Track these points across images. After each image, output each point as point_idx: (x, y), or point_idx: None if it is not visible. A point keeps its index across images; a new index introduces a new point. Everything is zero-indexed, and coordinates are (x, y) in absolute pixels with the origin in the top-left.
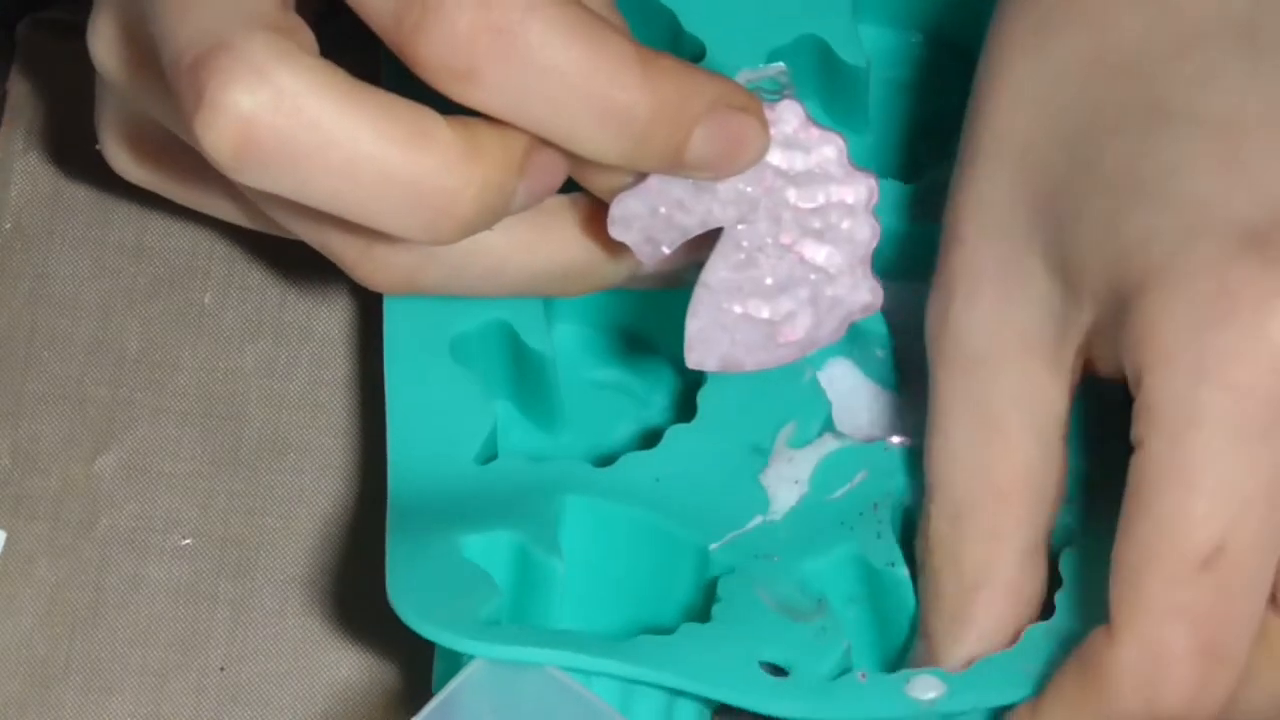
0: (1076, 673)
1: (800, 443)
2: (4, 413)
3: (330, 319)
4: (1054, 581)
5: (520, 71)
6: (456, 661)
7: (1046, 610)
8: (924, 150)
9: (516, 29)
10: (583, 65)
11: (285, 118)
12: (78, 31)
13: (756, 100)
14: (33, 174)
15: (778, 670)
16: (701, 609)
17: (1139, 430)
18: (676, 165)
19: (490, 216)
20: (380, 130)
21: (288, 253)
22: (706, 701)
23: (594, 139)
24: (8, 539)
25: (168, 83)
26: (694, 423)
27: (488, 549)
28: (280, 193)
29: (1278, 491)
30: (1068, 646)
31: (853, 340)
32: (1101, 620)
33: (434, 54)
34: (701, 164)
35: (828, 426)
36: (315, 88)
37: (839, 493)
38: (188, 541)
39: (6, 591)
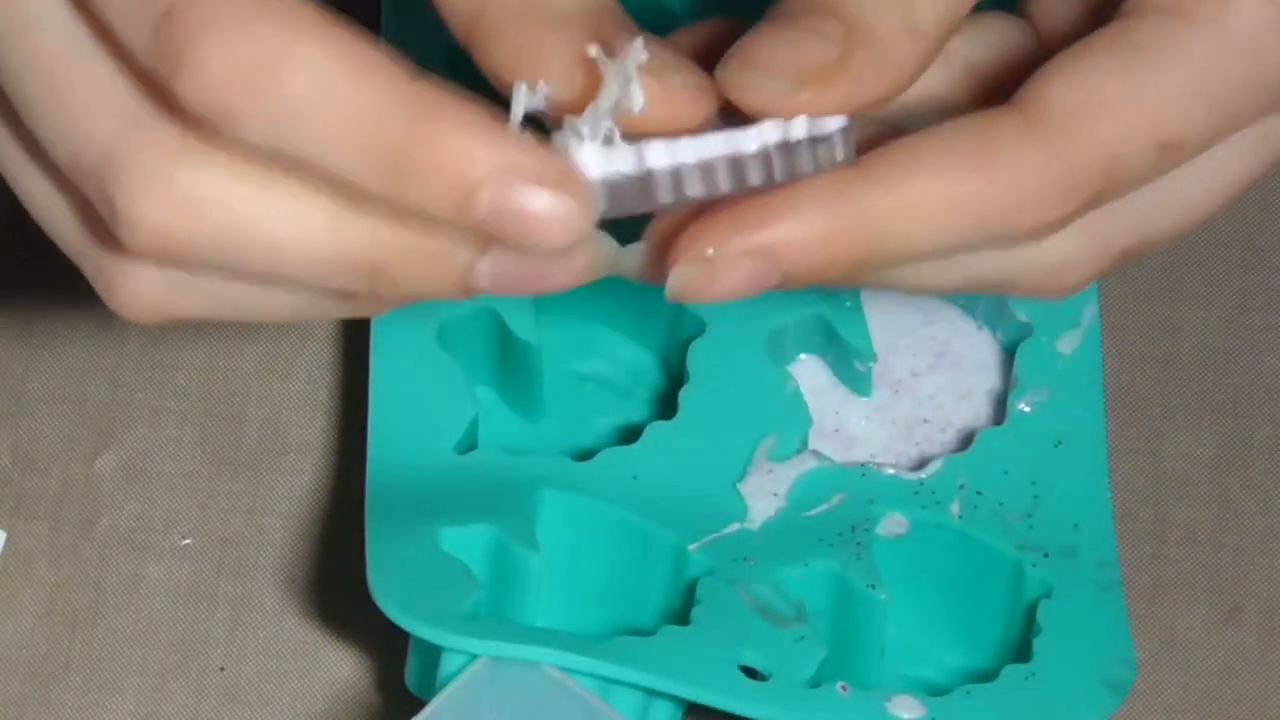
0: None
1: (780, 457)
2: (4, 413)
3: (330, 319)
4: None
5: (278, 117)
6: (433, 653)
7: (1025, 654)
8: None
9: (272, 72)
10: (349, 110)
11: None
12: None
13: (564, 172)
14: None
15: (754, 674)
16: (679, 609)
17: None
18: (467, 222)
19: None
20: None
21: None
22: (681, 702)
23: (369, 184)
24: (8, 539)
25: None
26: (674, 421)
27: (465, 542)
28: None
29: None
30: (1044, 688)
31: (832, 348)
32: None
33: (191, 98)
34: (495, 231)
35: (807, 443)
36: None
37: (816, 511)
38: (188, 541)
39: (6, 591)
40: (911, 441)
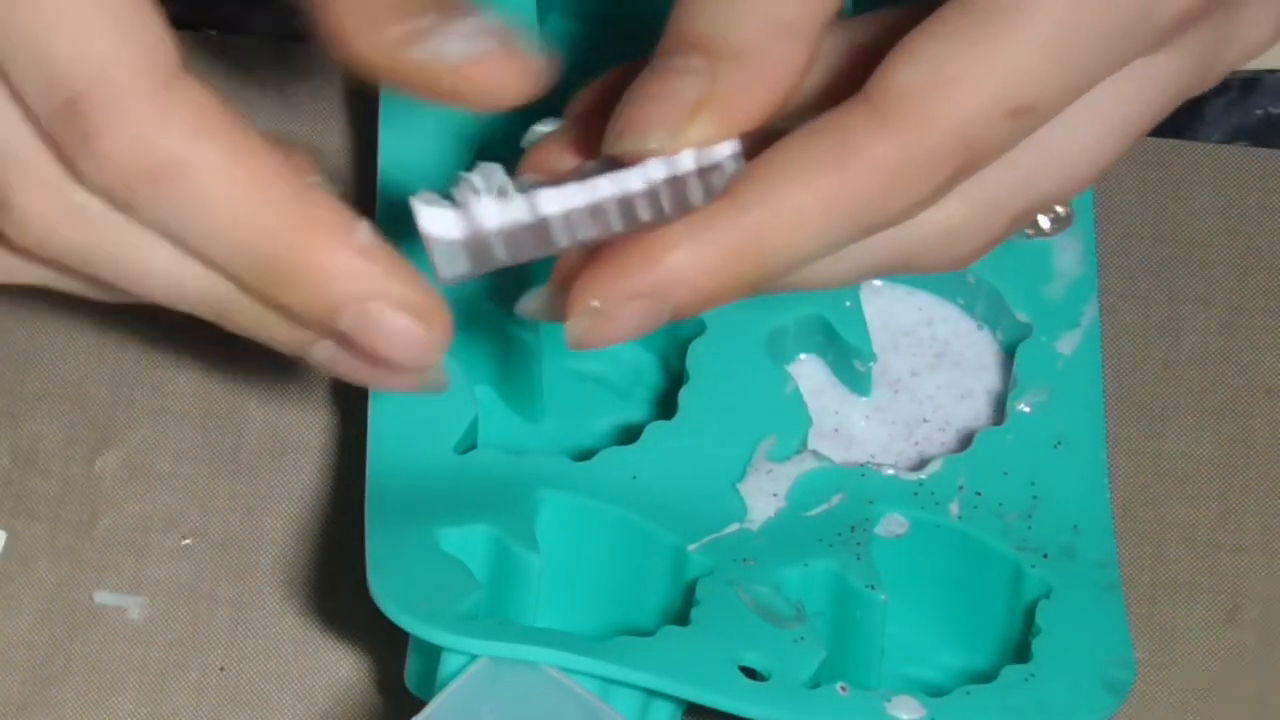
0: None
1: (780, 457)
2: (4, 413)
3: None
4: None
5: (173, 208)
6: (433, 653)
7: (1025, 655)
8: None
9: (172, 169)
10: (235, 215)
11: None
12: None
13: (429, 302)
14: None
15: (754, 674)
16: (679, 610)
17: None
18: (325, 331)
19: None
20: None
21: None
22: (681, 702)
23: (245, 278)
24: (8, 539)
25: None
26: (674, 421)
27: (465, 542)
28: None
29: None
30: (1044, 689)
31: (832, 348)
32: (1075, 668)
33: (94, 178)
34: (352, 341)
35: (807, 444)
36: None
37: (815, 511)
38: (188, 541)
39: (6, 591)
40: (911, 441)
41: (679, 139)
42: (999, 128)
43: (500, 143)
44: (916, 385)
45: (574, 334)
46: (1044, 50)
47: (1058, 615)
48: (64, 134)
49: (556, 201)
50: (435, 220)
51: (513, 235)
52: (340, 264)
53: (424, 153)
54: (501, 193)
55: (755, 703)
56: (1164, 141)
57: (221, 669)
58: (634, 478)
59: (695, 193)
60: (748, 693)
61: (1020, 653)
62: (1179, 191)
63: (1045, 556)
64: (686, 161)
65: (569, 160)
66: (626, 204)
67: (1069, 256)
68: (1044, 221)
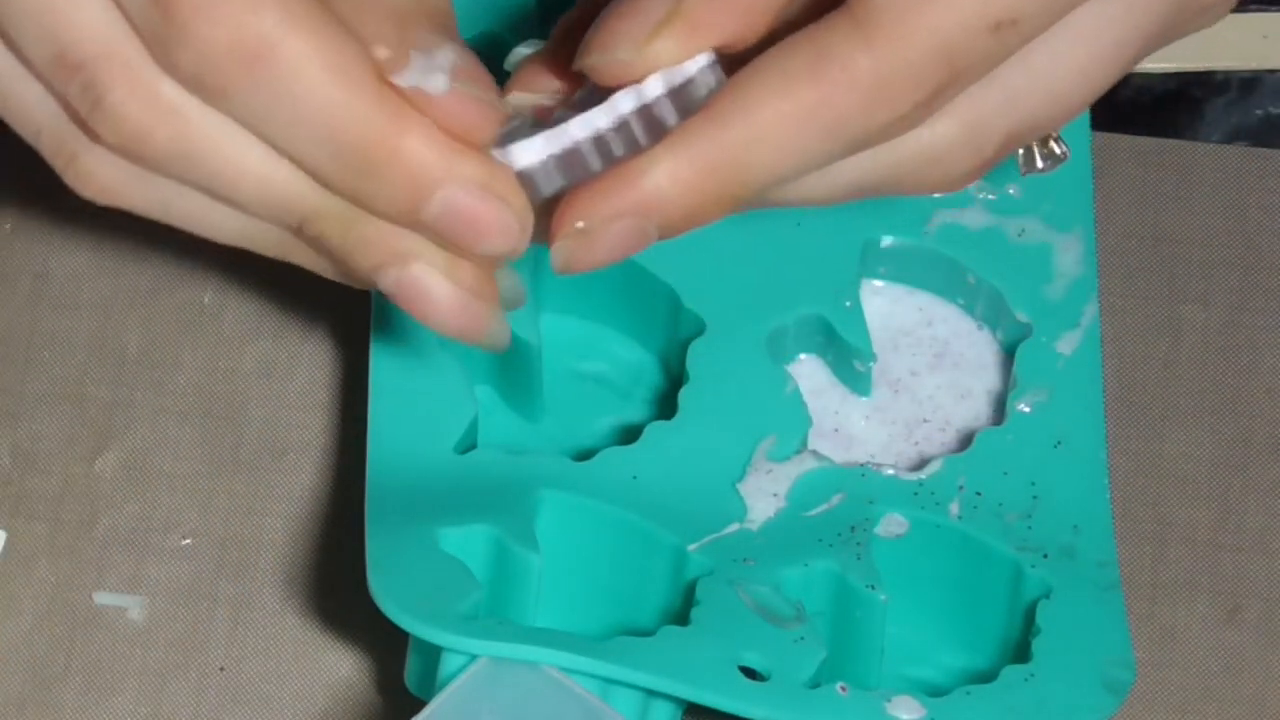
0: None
1: (779, 457)
2: (4, 413)
3: (330, 319)
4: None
5: (267, 96)
6: (433, 653)
7: (1025, 655)
8: None
9: (266, 55)
10: (327, 101)
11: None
12: None
13: (511, 187)
14: (33, 174)
15: (754, 674)
16: (679, 610)
17: None
18: (412, 222)
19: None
20: None
21: None
22: (681, 702)
23: (329, 174)
24: (8, 539)
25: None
26: (674, 421)
27: (465, 542)
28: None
29: None
30: (1044, 689)
31: (832, 348)
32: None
33: (187, 66)
34: (436, 230)
35: (807, 444)
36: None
37: (816, 511)
38: (188, 541)
39: (6, 591)
40: (911, 442)
41: (644, 53)
42: (981, 42)
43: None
44: (916, 385)
45: (560, 256)
46: None
47: (1058, 615)
48: (157, 21)
49: (529, 153)
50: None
51: (561, 161)
52: (427, 149)
53: None
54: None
55: (755, 703)
56: (1164, 141)
57: (221, 669)
58: (634, 478)
59: (669, 116)
60: (748, 693)
61: (1020, 653)
62: (1179, 191)
63: (1045, 556)
64: (655, 87)
65: (549, 80)
66: (601, 142)
67: (1069, 256)
68: (1038, 160)
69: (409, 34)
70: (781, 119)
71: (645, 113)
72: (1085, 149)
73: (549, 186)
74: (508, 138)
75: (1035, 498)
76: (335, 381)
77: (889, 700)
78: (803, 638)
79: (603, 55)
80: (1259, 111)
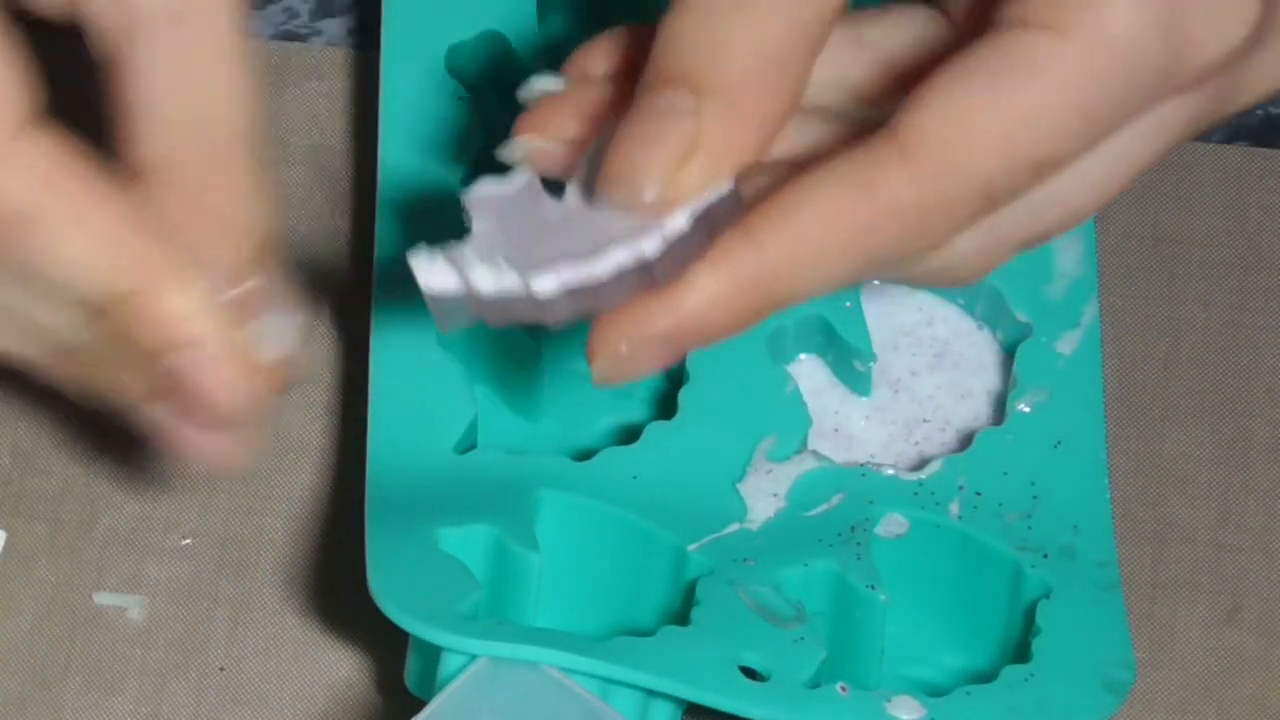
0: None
1: (779, 457)
2: (4, 413)
3: (330, 319)
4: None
5: (27, 257)
6: (433, 653)
7: (1024, 655)
8: None
9: (19, 220)
10: (88, 259)
11: None
12: (78, 31)
13: (246, 364)
14: None
15: (754, 674)
16: (679, 610)
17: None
18: (153, 367)
19: None
20: None
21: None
22: (681, 702)
23: (90, 321)
24: (8, 539)
25: None
26: (674, 421)
27: (465, 542)
28: None
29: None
30: (1044, 689)
31: (832, 348)
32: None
33: None
34: (175, 386)
35: (807, 444)
36: None
37: (816, 511)
38: (188, 541)
39: (6, 591)
40: (911, 441)
41: (674, 187)
42: (1020, 178)
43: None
44: (916, 385)
45: (601, 373)
46: (1070, 105)
47: (1058, 615)
48: None
49: (551, 281)
50: (433, 277)
51: (507, 303)
52: (174, 309)
53: (424, 154)
54: (495, 265)
55: (755, 703)
56: None
57: (221, 669)
58: (634, 478)
59: (693, 250)
60: (748, 693)
61: (1020, 653)
62: (1179, 191)
63: (1045, 556)
64: (679, 222)
65: (564, 123)
66: (623, 277)
67: (1069, 256)
68: None
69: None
70: (818, 242)
71: (672, 251)
72: None
73: (562, 312)
74: (508, 206)
75: (1035, 498)
76: (335, 382)
77: (889, 700)
78: (803, 638)
79: (631, 193)
80: (1259, 111)
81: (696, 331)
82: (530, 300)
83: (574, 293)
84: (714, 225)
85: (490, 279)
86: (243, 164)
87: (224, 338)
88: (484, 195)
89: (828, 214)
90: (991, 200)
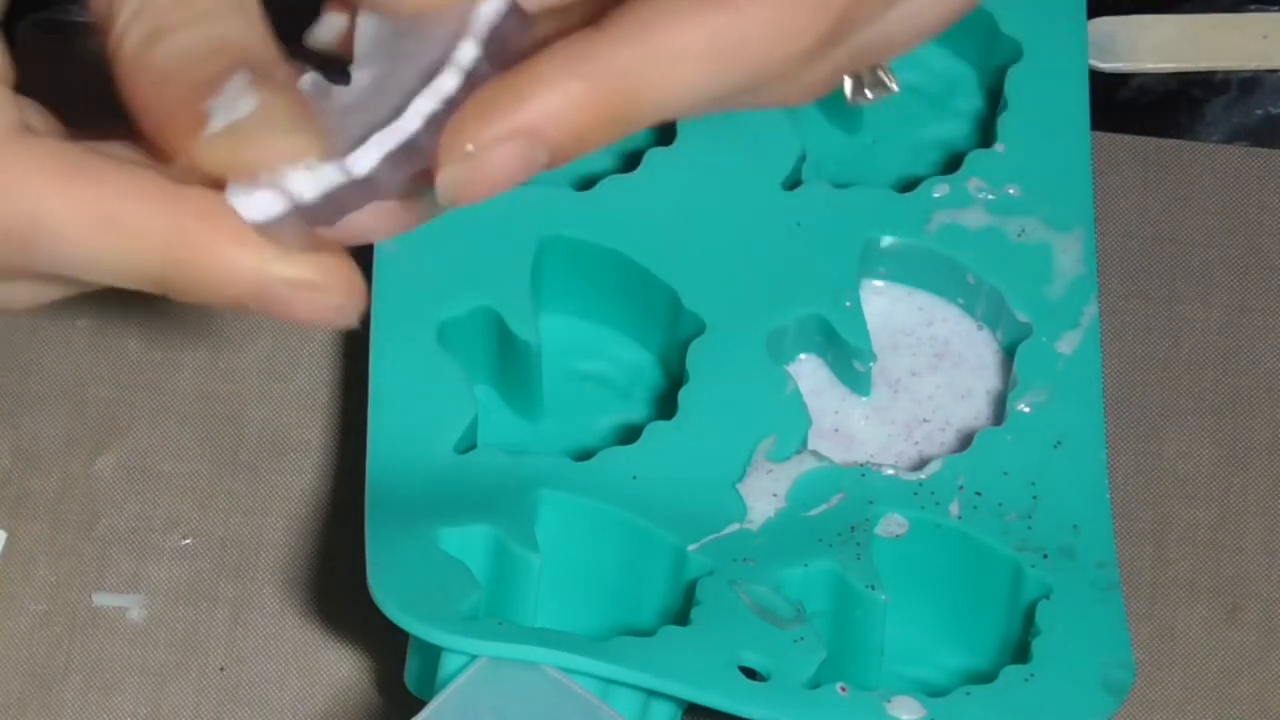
0: None
1: (779, 457)
2: (4, 413)
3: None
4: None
5: (51, 260)
6: (433, 653)
7: (1024, 655)
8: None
9: (28, 228)
10: (118, 244)
11: None
12: (78, 31)
13: (326, 272)
14: None
15: (754, 674)
16: (679, 610)
17: None
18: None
19: None
20: None
21: None
22: (681, 702)
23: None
24: (8, 539)
25: None
26: (674, 421)
27: (464, 542)
28: None
29: None
30: (1044, 689)
31: (832, 348)
32: (1075, 669)
33: None
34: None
35: (807, 444)
36: None
37: (815, 511)
38: (188, 541)
39: (6, 591)
40: (911, 441)
41: None
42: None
43: None
44: (916, 385)
45: (447, 186)
46: None
47: (1057, 615)
48: None
49: (368, 156)
50: (256, 206)
51: (336, 198)
52: (230, 258)
53: None
54: (310, 167)
55: (755, 703)
56: (1164, 141)
57: (221, 669)
58: (634, 478)
59: (484, 69)
60: (748, 693)
61: (1020, 653)
62: (1179, 191)
63: (1045, 557)
64: (469, 51)
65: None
66: (436, 122)
67: (1069, 256)
68: (866, 91)
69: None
70: (684, 42)
71: (469, 81)
72: (1085, 149)
73: (390, 178)
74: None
75: (1035, 498)
76: (335, 381)
77: (889, 700)
78: (803, 638)
79: None
80: (1259, 111)
81: (549, 133)
82: (356, 184)
83: (393, 158)
84: (505, 49)
85: (310, 182)
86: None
87: (287, 270)
88: None
89: (693, 10)
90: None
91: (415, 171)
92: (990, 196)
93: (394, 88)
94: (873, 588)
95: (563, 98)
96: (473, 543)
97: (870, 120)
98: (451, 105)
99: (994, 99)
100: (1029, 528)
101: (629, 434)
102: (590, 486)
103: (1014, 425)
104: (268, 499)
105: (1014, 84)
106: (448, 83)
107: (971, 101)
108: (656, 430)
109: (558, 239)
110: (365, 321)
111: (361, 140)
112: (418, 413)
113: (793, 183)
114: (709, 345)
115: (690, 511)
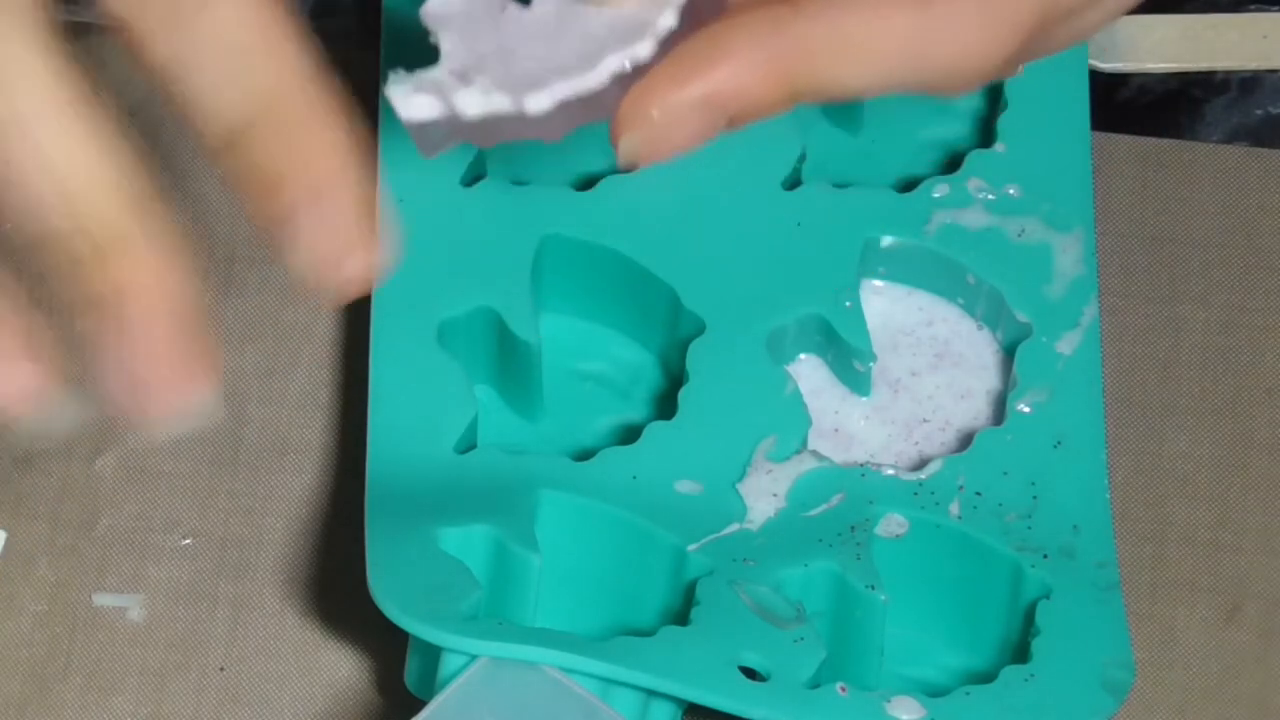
0: None
1: (779, 457)
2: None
3: (330, 319)
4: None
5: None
6: (433, 653)
7: (1024, 655)
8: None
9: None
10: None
11: None
12: (79, 31)
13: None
14: None
15: (754, 675)
16: (679, 610)
17: None
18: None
19: None
20: None
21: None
22: (681, 702)
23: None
24: (8, 539)
25: None
26: (674, 421)
27: (464, 542)
28: None
29: None
30: (1044, 690)
31: (832, 348)
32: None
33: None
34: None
35: (807, 444)
36: None
37: (815, 511)
38: (188, 541)
39: (6, 591)
40: (911, 442)
41: None
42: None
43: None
44: (916, 385)
45: (630, 149)
46: None
47: (1057, 615)
48: None
49: (545, 99)
50: (414, 107)
51: (497, 124)
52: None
53: (424, 160)
54: (482, 88)
55: (755, 703)
56: (1164, 141)
57: (221, 669)
58: (634, 478)
59: (669, 40)
60: (748, 693)
61: (1020, 653)
62: (1179, 191)
63: (1045, 557)
64: (668, 20)
65: None
66: (620, 83)
67: (1069, 256)
68: None
69: None
70: (870, 31)
71: (662, 49)
72: (1085, 149)
73: (553, 127)
74: (472, 18)
75: (1035, 498)
76: (335, 381)
77: (889, 700)
78: (803, 638)
79: None
80: (1259, 111)
81: (733, 99)
82: (522, 119)
83: (569, 106)
84: (700, 20)
85: (477, 101)
86: (313, 101)
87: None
88: (444, 9)
89: (887, 13)
90: (1049, 10)
91: (578, 121)
92: (990, 196)
93: (581, 32)
94: (873, 588)
95: (751, 71)
96: (473, 543)
97: (870, 120)
98: (640, 70)
99: (994, 99)
100: (1029, 528)
101: (629, 434)
102: (590, 486)
103: (1014, 425)
104: (268, 499)
105: (1014, 84)
106: (642, 49)
107: (971, 101)
108: (656, 430)
109: (558, 239)
110: (365, 321)
111: (540, 79)
112: (418, 413)
113: (793, 183)
114: (709, 345)
115: (690, 510)
